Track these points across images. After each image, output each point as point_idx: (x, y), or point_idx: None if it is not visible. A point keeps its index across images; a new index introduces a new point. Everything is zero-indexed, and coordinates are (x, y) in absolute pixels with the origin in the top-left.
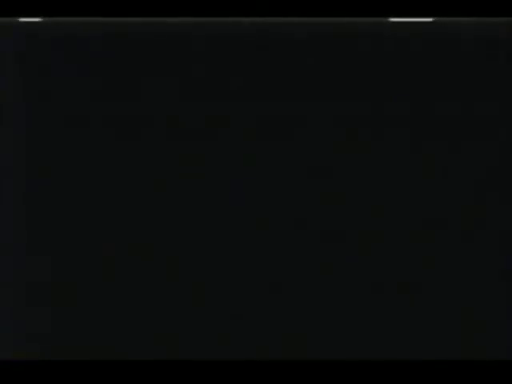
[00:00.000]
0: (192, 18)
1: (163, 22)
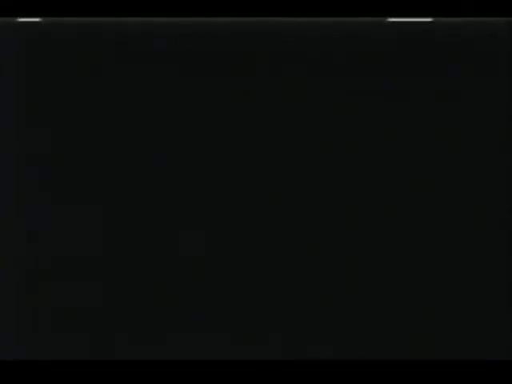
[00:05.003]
0: (192, 18)
1: (162, 22)
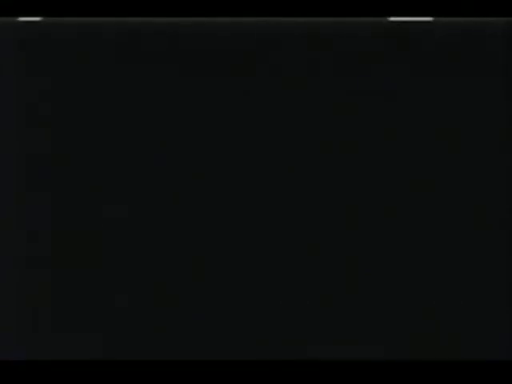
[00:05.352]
0: (192, 18)
1: (162, 22)
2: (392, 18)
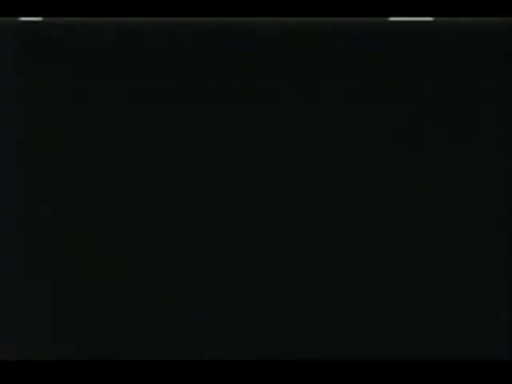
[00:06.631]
0: (192, 18)
1: (162, 22)
2: (392, 18)
